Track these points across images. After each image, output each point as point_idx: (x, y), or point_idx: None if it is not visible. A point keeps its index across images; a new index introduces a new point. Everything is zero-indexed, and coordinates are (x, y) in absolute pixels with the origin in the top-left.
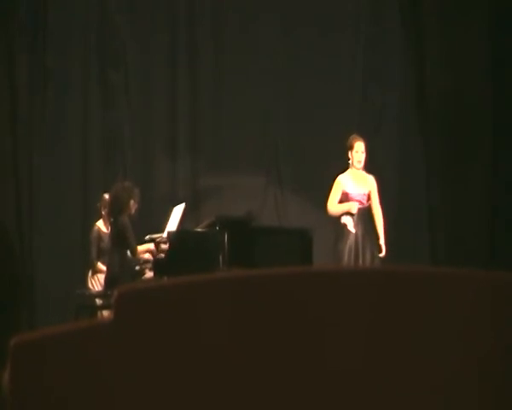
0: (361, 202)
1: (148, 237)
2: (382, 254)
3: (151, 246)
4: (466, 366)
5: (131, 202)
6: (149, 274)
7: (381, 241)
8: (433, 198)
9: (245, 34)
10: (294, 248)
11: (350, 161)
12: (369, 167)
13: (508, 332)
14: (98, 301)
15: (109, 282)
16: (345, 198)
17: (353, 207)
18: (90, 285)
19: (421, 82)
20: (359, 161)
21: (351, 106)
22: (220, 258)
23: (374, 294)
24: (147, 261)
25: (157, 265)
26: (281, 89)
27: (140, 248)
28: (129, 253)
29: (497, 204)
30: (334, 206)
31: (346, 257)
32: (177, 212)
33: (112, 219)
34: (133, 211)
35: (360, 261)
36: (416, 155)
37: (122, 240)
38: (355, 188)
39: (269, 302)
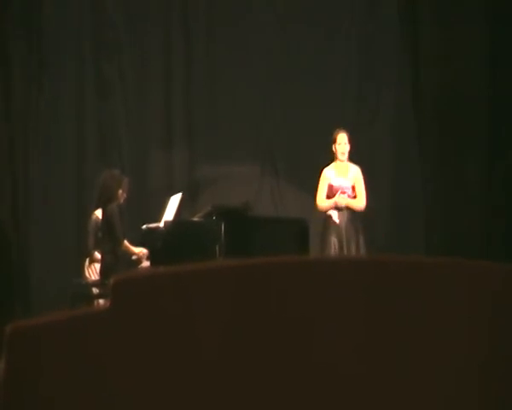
0: (346, 194)
1: (145, 226)
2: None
3: (144, 250)
4: (461, 354)
5: (120, 191)
6: (146, 264)
7: (337, 199)
8: (428, 198)
9: (240, 27)
10: (291, 238)
11: (334, 154)
12: (364, 165)
13: (501, 320)
14: (94, 291)
15: (104, 271)
16: (330, 191)
17: (341, 200)
18: (87, 275)
19: (417, 81)
20: (343, 153)
21: (346, 103)
22: (217, 248)
23: (368, 282)
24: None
25: (153, 254)
26: (276, 82)
27: (134, 249)
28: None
29: (494, 203)
30: (322, 201)
31: (332, 248)
32: (174, 201)
33: (101, 208)
34: (122, 200)
35: (345, 252)
36: (412, 154)
37: (111, 228)
38: (340, 180)
39: (264, 289)
